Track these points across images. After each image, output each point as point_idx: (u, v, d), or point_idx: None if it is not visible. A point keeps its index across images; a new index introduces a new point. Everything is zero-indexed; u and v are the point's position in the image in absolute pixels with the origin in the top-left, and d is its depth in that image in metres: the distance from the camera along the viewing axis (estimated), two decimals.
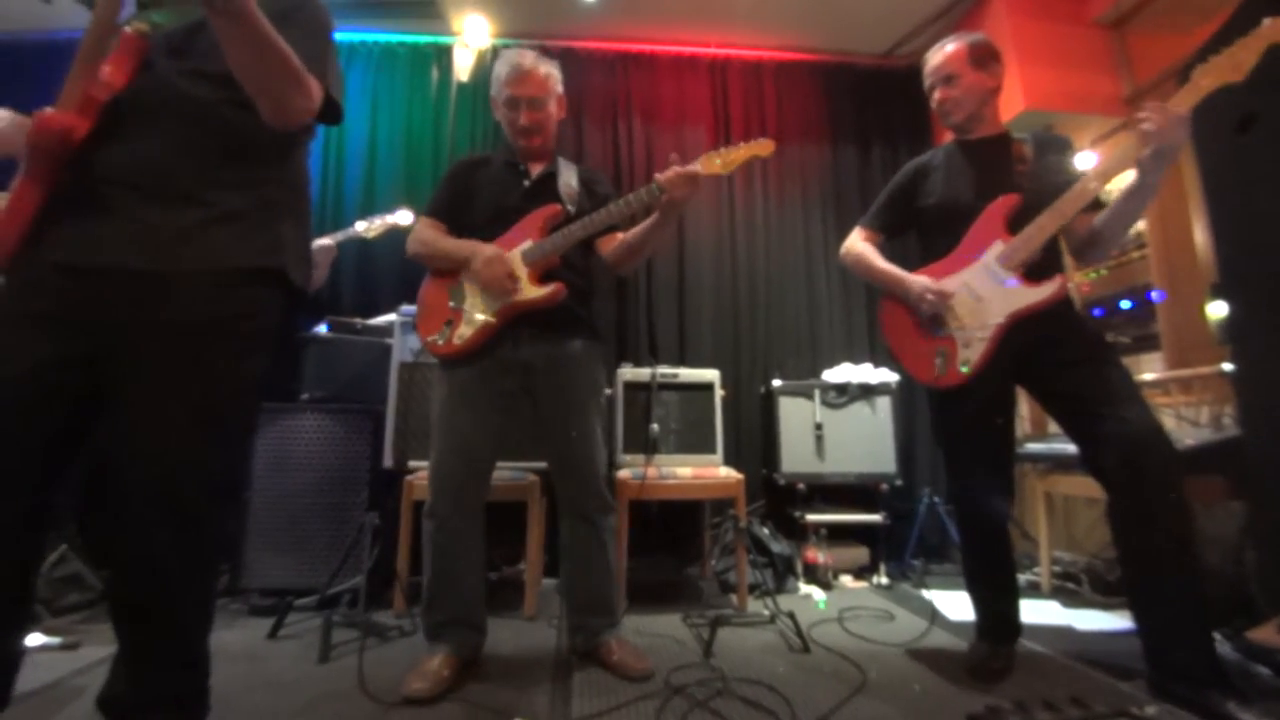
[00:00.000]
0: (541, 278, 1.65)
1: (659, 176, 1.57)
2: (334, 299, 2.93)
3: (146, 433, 0.97)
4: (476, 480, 1.66)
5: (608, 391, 2.30)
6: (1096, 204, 1.62)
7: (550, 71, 1.77)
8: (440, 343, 1.66)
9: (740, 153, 1.61)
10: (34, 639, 1.72)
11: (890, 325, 1.77)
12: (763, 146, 1.61)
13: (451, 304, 1.67)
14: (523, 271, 1.64)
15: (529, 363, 1.67)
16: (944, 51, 1.72)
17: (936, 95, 1.74)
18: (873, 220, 1.87)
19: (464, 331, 1.64)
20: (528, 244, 1.66)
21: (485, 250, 1.63)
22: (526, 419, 1.71)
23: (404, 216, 2.43)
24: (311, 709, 1.41)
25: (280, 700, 1.44)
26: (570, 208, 1.72)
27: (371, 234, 2.39)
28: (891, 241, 1.88)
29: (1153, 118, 1.37)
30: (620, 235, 1.76)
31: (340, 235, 2.31)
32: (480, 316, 1.64)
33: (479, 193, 1.76)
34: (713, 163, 1.60)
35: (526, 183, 1.77)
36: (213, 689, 1.06)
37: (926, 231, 1.81)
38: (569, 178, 1.79)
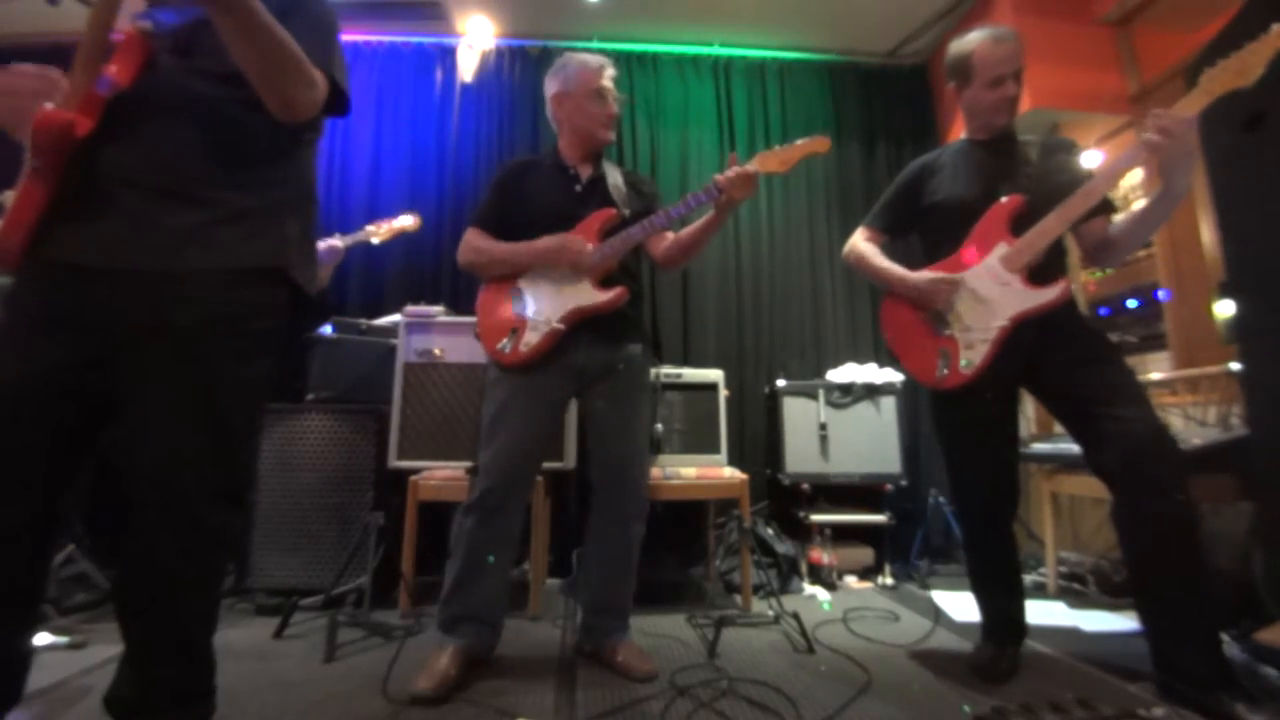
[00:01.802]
0: (600, 281, 1.65)
1: (719, 177, 1.57)
2: (339, 300, 2.93)
3: (152, 435, 0.97)
4: (523, 482, 1.66)
5: None
6: (1108, 207, 1.60)
7: None
8: (507, 351, 1.64)
9: (796, 150, 1.59)
10: (41, 638, 1.73)
11: (892, 325, 1.76)
12: (819, 143, 1.59)
13: (515, 311, 1.67)
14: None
15: (585, 367, 1.67)
16: (1018, 44, 1.62)
17: (1011, 89, 1.61)
18: (876, 219, 1.85)
19: (530, 339, 1.63)
20: (588, 248, 1.65)
21: (553, 237, 1.62)
22: (565, 425, 1.70)
23: (408, 220, 2.45)
24: (319, 708, 1.41)
25: (287, 699, 1.45)
26: (625, 211, 1.71)
27: (379, 239, 2.40)
28: (895, 242, 1.86)
29: (1157, 125, 1.35)
30: (670, 235, 1.76)
31: (349, 239, 2.32)
32: (547, 322, 1.63)
33: (532, 196, 1.75)
34: (769, 162, 1.59)
35: (578, 187, 1.76)
36: (219, 688, 1.07)
37: (930, 231, 1.79)
38: (615, 179, 1.79)
